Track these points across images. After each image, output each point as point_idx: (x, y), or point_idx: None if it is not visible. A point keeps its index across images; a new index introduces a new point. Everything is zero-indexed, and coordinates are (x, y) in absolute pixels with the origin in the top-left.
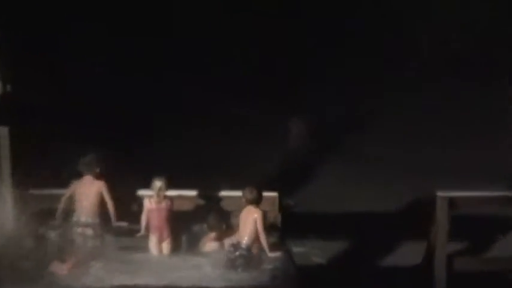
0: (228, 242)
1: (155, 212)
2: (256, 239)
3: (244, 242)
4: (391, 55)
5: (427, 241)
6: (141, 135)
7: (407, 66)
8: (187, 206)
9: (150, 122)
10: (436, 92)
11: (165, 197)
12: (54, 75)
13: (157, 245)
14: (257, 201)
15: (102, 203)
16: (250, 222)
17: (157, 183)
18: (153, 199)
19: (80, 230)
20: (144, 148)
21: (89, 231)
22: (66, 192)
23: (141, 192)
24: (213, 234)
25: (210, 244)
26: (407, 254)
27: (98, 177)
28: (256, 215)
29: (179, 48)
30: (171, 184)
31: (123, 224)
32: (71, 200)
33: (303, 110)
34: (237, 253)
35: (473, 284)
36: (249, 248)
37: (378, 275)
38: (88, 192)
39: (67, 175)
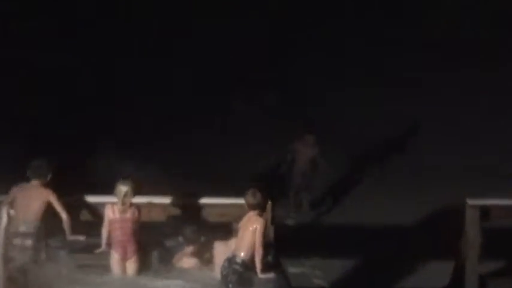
0: (219, 255)
1: (118, 223)
2: (254, 252)
3: (240, 255)
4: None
5: (455, 259)
6: (102, 132)
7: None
8: (159, 216)
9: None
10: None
11: (132, 205)
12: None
13: (120, 264)
14: (261, 207)
15: (46, 214)
16: (249, 232)
17: (122, 188)
18: (117, 207)
19: (18, 241)
20: (107, 147)
21: (29, 242)
22: (5, 198)
23: (102, 199)
24: (189, 249)
25: (186, 260)
26: (430, 275)
27: (46, 184)
28: (256, 225)
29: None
30: (139, 190)
31: (80, 237)
32: (10, 207)
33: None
34: (230, 268)
35: None
36: (244, 263)
37: None
38: (32, 199)
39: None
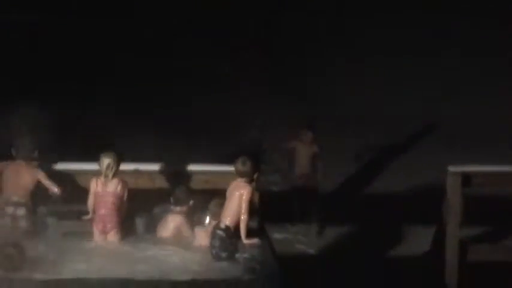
0: (202, 224)
1: (100, 197)
2: (239, 218)
3: (225, 221)
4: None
5: (437, 225)
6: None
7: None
8: (145, 184)
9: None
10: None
11: (117, 178)
12: None
13: (100, 238)
14: (249, 175)
15: (36, 188)
16: (235, 198)
17: (105, 160)
18: (100, 180)
19: (10, 209)
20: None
21: (21, 211)
22: None
23: (88, 166)
24: (178, 209)
25: (174, 217)
26: (412, 241)
27: (33, 160)
28: (243, 191)
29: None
30: (126, 159)
31: (70, 206)
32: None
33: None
34: (220, 237)
35: (489, 275)
36: (228, 229)
37: (378, 265)
38: (20, 177)
39: None
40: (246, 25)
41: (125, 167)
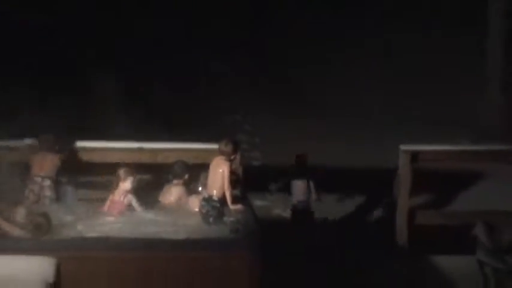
0: (195, 193)
1: (116, 204)
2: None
3: (212, 192)
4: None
5: (390, 195)
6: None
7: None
8: (148, 159)
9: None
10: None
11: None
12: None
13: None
14: (228, 155)
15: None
16: (218, 174)
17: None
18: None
19: (38, 179)
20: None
21: (47, 182)
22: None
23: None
24: (176, 182)
25: (174, 190)
26: (370, 207)
27: (55, 151)
28: (223, 168)
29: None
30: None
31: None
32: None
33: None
34: (210, 206)
35: (434, 237)
36: (221, 200)
37: (339, 227)
38: (45, 164)
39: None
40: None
41: (129, 145)
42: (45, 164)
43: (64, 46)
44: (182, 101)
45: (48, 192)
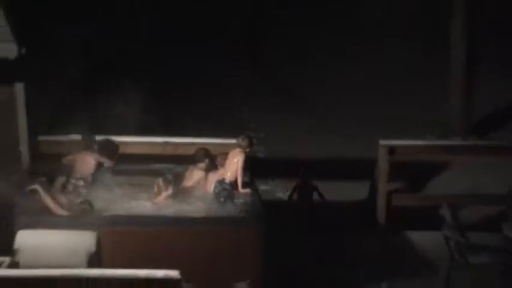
0: (212, 177)
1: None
2: (237, 176)
3: (227, 178)
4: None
5: (372, 181)
6: None
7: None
8: (172, 151)
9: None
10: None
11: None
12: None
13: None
14: (244, 148)
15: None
16: (234, 162)
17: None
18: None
19: (73, 181)
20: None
21: (81, 183)
22: (69, 156)
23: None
24: (198, 165)
25: (196, 172)
26: (355, 192)
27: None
28: (239, 158)
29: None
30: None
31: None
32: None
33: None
34: (222, 187)
35: (408, 216)
36: (231, 184)
37: (330, 208)
38: (85, 163)
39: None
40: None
41: (156, 139)
42: (85, 163)
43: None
44: (196, 103)
45: (82, 191)
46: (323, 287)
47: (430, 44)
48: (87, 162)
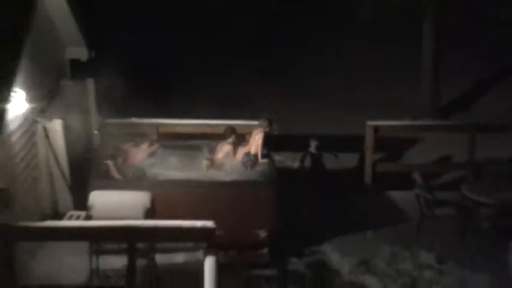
0: (239, 151)
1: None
2: (258, 149)
3: (252, 151)
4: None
5: (361, 153)
6: None
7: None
8: (205, 130)
9: None
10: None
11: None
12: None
13: None
14: (264, 128)
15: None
16: (256, 139)
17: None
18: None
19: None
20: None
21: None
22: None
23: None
24: (227, 140)
25: (225, 146)
26: (348, 161)
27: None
28: (260, 135)
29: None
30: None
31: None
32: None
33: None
34: (248, 158)
35: (388, 179)
36: (255, 155)
37: (328, 173)
38: (138, 153)
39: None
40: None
41: (195, 121)
42: (134, 158)
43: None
44: (223, 90)
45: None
46: (320, 232)
47: (408, 42)
48: (138, 157)
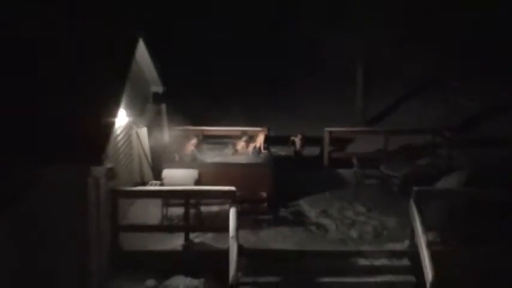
0: (250, 145)
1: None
2: (261, 145)
3: (257, 146)
4: None
5: (321, 146)
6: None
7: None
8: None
9: None
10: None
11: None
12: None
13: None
14: (265, 131)
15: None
16: (260, 138)
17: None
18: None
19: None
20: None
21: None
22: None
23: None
24: (242, 139)
25: (241, 143)
26: (314, 151)
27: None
28: (262, 136)
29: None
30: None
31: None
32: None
33: None
34: (255, 150)
35: (338, 162)
36: (259, 148)
37: (304, 158)
38: (187, 148)
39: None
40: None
41: (223, 128)
42: (187, 149)
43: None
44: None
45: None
46: (298, 193)
47: (349, 79)
48: (187, 148)
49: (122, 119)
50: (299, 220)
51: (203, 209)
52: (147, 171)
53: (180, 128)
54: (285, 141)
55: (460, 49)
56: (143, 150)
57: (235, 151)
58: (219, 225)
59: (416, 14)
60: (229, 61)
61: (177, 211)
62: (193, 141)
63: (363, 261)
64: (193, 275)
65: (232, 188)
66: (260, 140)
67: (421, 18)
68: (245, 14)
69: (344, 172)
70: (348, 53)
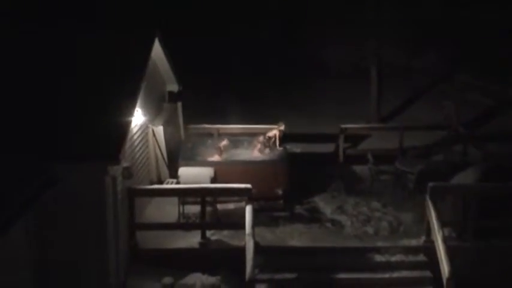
0: (264, 146)
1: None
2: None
3: (271, 139)
4: None
5: (337, 143)
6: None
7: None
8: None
9: None
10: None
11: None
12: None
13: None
14: (280, 129)
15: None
16: (275, 134)
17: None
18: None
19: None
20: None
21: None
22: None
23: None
24: (258, 139)
25: (257, 144)
26: (330, 147)
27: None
28: (277, 132)
29: None
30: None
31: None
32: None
33: None
34: (269, 145)
35: (353, 158)
36: (273, 143)
37: (313, 157)
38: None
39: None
40: None
41: (240, 126)
42: (218, 148)
43: None
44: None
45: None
46: (313, 190)
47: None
48: (218, 149)
49: (138, 118)
50: (315, 217)
51: (219, 206)
52: (163, 169)
53: (197, 126)
54: (300, 138)
55: (472, 45)
56: (159, 148)
57: (264, 147)
58: (235, 222)
59: (429, 10)
60: (245, 61)
61: (194, 209)
62: (224, 142)
63: (378, 257)
64: (210, 272)
65: (248, 186)
66: (275, 136)
67: (433, 14)
68: (261, 14)
69: (358, 169)
70: (361, 52)
